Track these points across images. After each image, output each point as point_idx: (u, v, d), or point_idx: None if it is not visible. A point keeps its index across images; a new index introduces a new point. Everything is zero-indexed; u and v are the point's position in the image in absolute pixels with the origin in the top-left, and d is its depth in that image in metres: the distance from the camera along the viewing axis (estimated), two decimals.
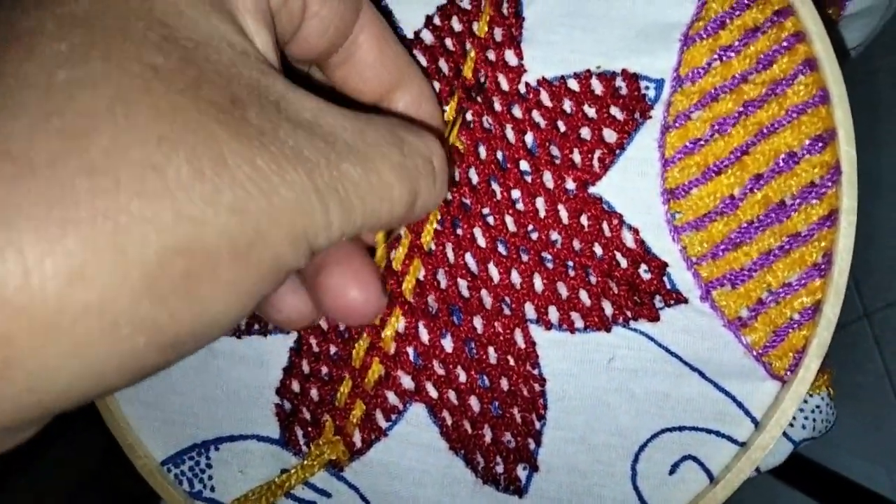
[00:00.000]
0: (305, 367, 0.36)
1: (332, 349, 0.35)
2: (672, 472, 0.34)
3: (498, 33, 0.36)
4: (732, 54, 0.34)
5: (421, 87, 0.32)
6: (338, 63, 0.30)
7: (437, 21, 0.37)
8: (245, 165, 0.19)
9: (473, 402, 0.34)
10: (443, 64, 0.36)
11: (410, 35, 0.37)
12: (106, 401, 0.37)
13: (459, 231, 0.35)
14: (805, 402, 0.37)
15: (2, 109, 0.18)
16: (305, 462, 0.35)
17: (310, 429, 0.35)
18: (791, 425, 0.37)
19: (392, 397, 0.35)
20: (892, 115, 0.90)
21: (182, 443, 0.37)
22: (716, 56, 0.34)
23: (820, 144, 0.33)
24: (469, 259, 0.35)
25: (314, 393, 0.35)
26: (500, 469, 0.35)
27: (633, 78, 0.35)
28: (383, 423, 0.35)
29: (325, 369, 0.35)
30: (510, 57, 0.36)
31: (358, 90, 0.31)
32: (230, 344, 0.36)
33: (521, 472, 0.35)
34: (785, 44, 0.34)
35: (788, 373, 0.33)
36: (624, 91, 0.35)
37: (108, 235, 0.17)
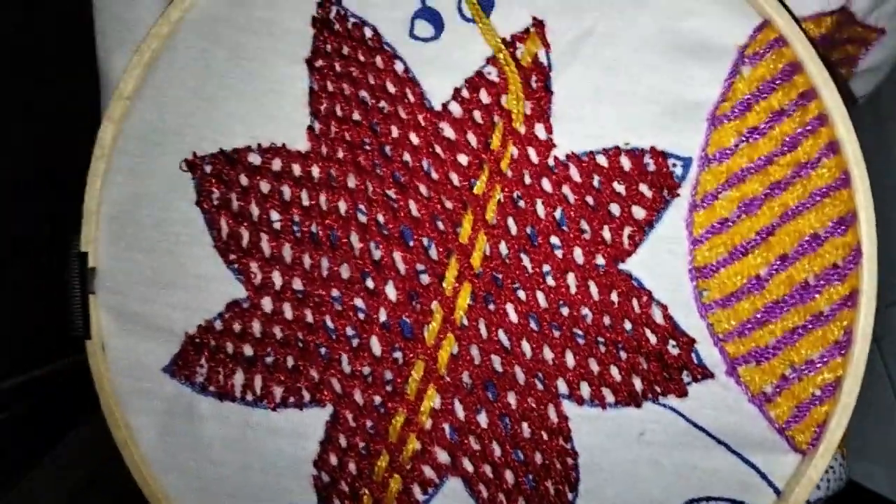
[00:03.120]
0: (342, 441, 0.36)
1: (369, 423, 0.36)
2: None
3: (527, 106, 0.37)
4: (759, 136, 0.35)
5: None
6: None
7: (465, 93, 0.37)
8: None
9: (508, 475, 0.36)
10: (471, 136, 0.37)
11: (438, 107, 0.37)
12: (142, 470, 0.37)
13: (492, 306, 0.36)
14: None
15: None
16: None
17: (348, 501, 0.36)
18: None
19: (428, 471, 0.36)
20: (890, 113, 0.92)
21: None
22: (743, 137, 0.35)
23: (843, 227, 0.34)
24: (502, 334, 0.36)
25: (352, 466, 0.36)
26: None
27: (661, 156, 0.36)
28: (420, 497, 0.36)
29: (361, 443, 0.36)
30: (540, 131, 0.37)
31: None
32: (266, 416, 0.37)
33: None
34: (809, 127, 0.35)
35: (810, 447, 0.35)
36: (652, 168, 0.36)
37: None
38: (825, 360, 0.35)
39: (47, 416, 0.56)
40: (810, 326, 0.35)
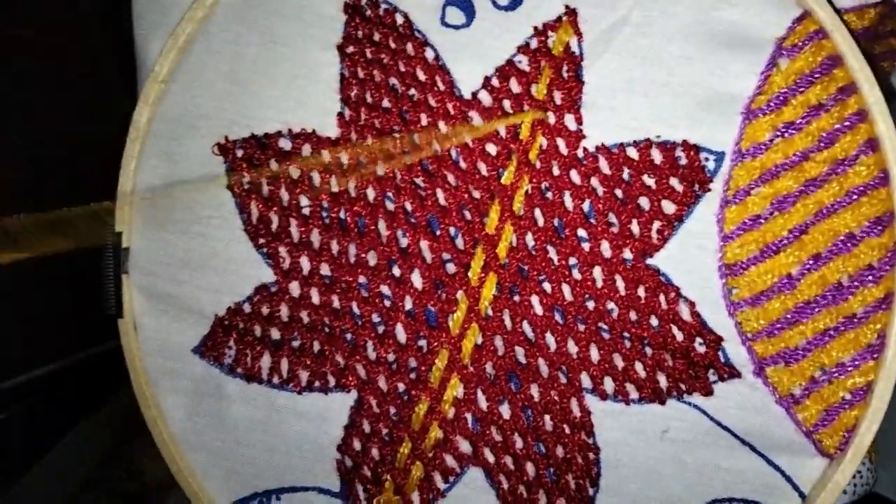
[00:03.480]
0: (366, 427, 0.37)
1: (392, 410, 0.36)
2: None
3: (557, 96, 0.36)
4: (795, 132, 0.34)
5: None
6: None
7: (495, 82, 0.37)
8: None
9: (529, 467, 0.36)
10: (500, 126, 0.36)
11: (468, 95, 0.37)
12: (171, 448, 0.38)
13: (517, 297, 0.36)
14: None
15: None
16: None
17: (370, 486, 0.36)
18: None
19: (450, 460, 0.36)
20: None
21: (244, 491, 0.38)
22: (778, 132, 0.34)
23: (879, 227, 0.34)
24: (526, 326, 0.36)
25: (375, 452, 0.36)
26: None
27: (693, 149, 0.35)
28: (441, 485, 0.36)
29: (385, 430, 0.36)
30: (570, 121, 0.36)
31: None
32: (291, 399, 0.37)
33: None
34: (847, 123, 0.34)
35: (838, 451, 0.34)
36: (684, 162, 0.35)
37: None
38: (857, 363, 0.34)
39: (47, 416, 0.57)
40: (842, 328, 0.34)
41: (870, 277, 0.34)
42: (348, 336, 0.37)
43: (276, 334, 0.37)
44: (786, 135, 0.34)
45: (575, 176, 0.36)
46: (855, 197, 0.34)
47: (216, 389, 0.38)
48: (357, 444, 0.37)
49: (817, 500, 0.34)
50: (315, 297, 0.37)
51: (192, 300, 0.38)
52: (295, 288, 0.37)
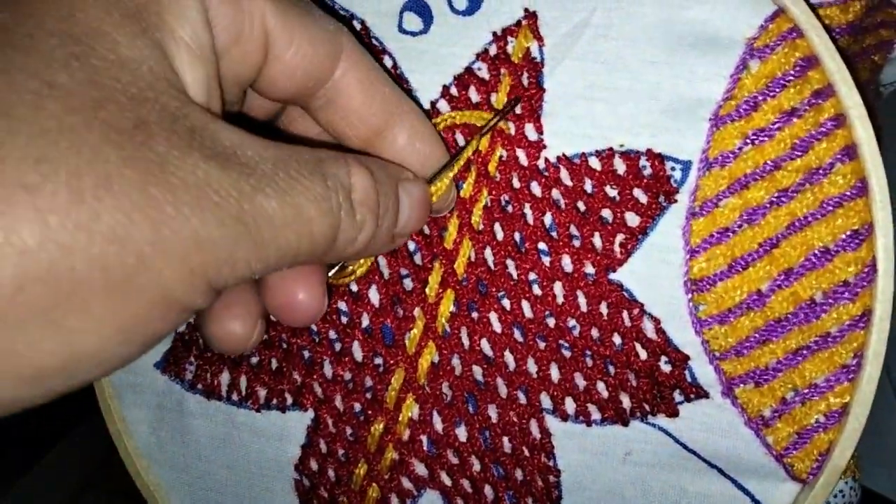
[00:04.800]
0: (323, 447, 0.36)
1: (349, 430, 0.35)
2: None
3: (517, 106, 0.35)
4: (766, 139, 0.32)
5: (415, 127, 0.30)
6: (320, 106, 0.29)
7: (454, 91, 0.35)
8: (134, 193, 0.18)
9: (488, 490, 0.34)
10: (459, 136, 0.35)
11: (427, 105, 0.35)
12: (136, 464, 0.38)
13: (475, 315, 0.34)
14: None
15: None
16: None
17: None
18: None
19: (406, 482, 0.35)
20: (891, 113, 0.86)
21: None
22: (748, 140, 0.32)
23: (856, 240, 0.31)
24: (484, 344, 0.34)
25: (331, 473, 0.36)
26: None
27: (658, 158, 0.33)
28: None
29: (341, 450, 0.35)
30: (530, 131, 0.35)
31: (344, 134, 0.29)
32: (251, 417, 0.37)
33: None
34: (823, 129, 0.32)
35: (810, 476, 0.32)
36: (648, 172, 0.33)
37: None
38: (831, 384, 0.32)
39: (47, 416, 0.57)
40: (816, 348, 0.32)
41: (845, 294, 0.32)
42: (305, 354, 0.36)
43: None
44: (756, 142, 0.32)
45: (536, 188, 0.34)
46: (830, 208, 0.32)
47: (178, 405, 0.38)
48: (314, 464, 0.36)
49: None
50: None
51: None
52: None
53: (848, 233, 0.32)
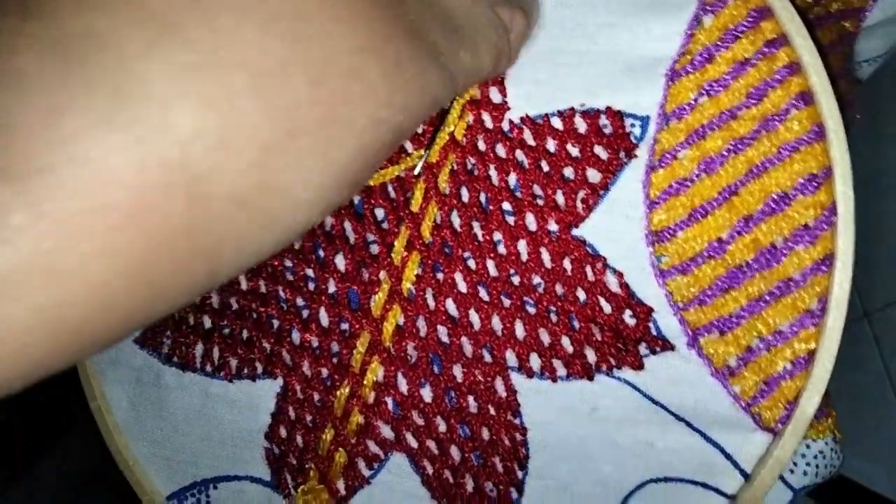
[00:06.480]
0: (291, 414, 0.36)
1: (316, 396, 0.35)
2: None
3: None
4: (720, 89, 0.33)
5: None
6: None
7: None
8: (410, 68, 0.21)
9: (454, 451, 0.34)
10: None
11: None
12: (115, 438, 0.38)
13: (440, 276, 0.35)
14: (808, 447, 0.35)
15: None
16: None
17: (296, 474, 0.36)
18: (791, 472, 0.35)
19: (373, 446, 0.35)
20: (891, 112, 0.85)
21: (184, 480, 0.38)
22: (703, 91, 0.33)
23: (814, 184, 0.31)
24: (450, 304, 0.34)
25: (299, 440, 0.36)
26: None
27: (617, 116, 0.34)
28: (366, 472, 0.35)
29: (309, 417, 0.35)
30: (494, 94, 0.35)
31: None
32: (224, 388, 0.37)
33: None
34: (777, 76, 0.32)
35: (779, 424, 0.32)
36: (608, 129, 0.34)
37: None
38: (796, 330, 0.31)
39: (47, 416, 0.57)
40: (778, 293, 0.32)
41: (805, 238, 0.31)
42: (275, 322, 0.36)
43: (207, 322, 0.37)
44: (711, 93, 0.33)
45: (500, 149, 0.35)
46: (787, 154, 0.32)
47: (155, 378, 0.38)
48: (283, 432, 0.36)
49: (758, 477, 0.31)
50: (243, 283, 0.37)
51: None
52: None
53: (805, 177, 0.31)
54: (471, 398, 0.34)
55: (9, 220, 0.14)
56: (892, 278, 0.90)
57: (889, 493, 0.61)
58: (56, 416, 0.59)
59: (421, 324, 0.35)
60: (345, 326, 0.35)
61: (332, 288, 0.36)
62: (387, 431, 0.35)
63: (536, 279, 0.34)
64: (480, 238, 0.34)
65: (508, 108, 0.35)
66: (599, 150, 0.34)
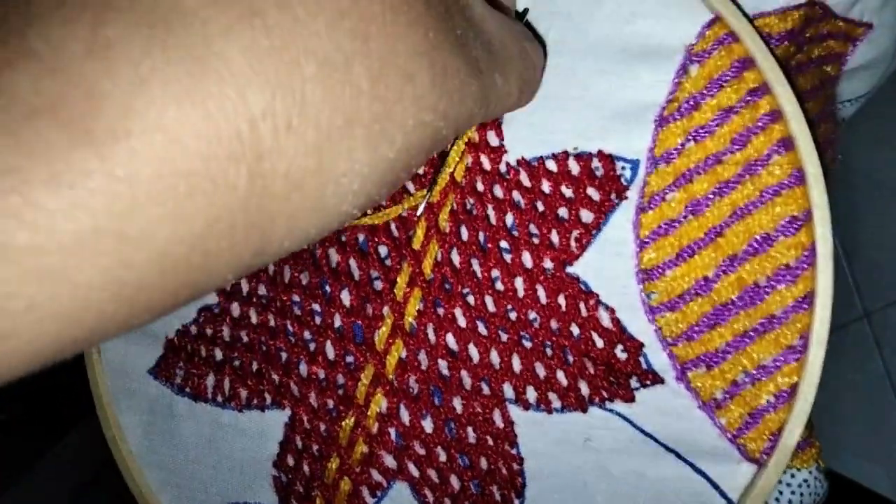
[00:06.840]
0: (298, 443, 0.37)
1: (322, 427, 0.37)
2: None
3: None
4: (706, 134, 0.34)
5: None
6: None
7: None
8: (455, 79, 0.22)
9: (454, 480, 0.36)
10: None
11: None
12: (129, 466, 0.40)
13: (441, 311, 0.36)
14: (792, 476, 0.37)
15: None
16: None
17: (304, 501, 0.37)
18: (777, 500, 0.36)
19: (376, 474, 0.36)
20: (891, 112, 0.86)
21: None
22: (690, 137, 0.34)
23: (795, 226, 0.33)
24: (450, 339, 0.36)
25: (306, 468, 0.37)
26: None
27: (608, 159, 0.35)
28: (369, 500, 0.36)
29: (315, 446, 0.37)
30: (492, 138, 0.37)
31: None
32: (234, 417, 0.39)
33: None
34: (760, 123, 0.34)
35: (764, 455, 0.33)
36: (600, 172, 0.36)
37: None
38: (779, 364, 0.33)
39: (47, 416, 0.59)
40: (762, 329, 0.33)
41: (787, 277, 0.33)
42: (283, 354, 0.38)
43: (219, 354, 0.39)
44: (698, 139, 0.34)
45: (498, 190, 0.37)
46: (769, 197, 0.33)
47: (168, 409, 0.40)
48: (291, 461, 0.38)
49: None
50: (253, 317, 0.39)
51: (148, 324, 0.40)
52: (235, 308, 0.39)
53: (787, 219, 0.33)
54: (470, 429, 0.36)
55: (87, 182, 0.15)
56: (892, 278, 0.91)
57: (889, 494, 0.61)
58: (56, 417, 0.60)
59: (422, 357, 0.36)
60: (350, 359, 0.37)
61: (337, 322, 0.37)
62: (389, 461, 0.36)
63: (532, 315, 0.35)
64: (479, 275, 0.36)
65: (505, 151, 0.37)
66: (592, 192, 0.36)
